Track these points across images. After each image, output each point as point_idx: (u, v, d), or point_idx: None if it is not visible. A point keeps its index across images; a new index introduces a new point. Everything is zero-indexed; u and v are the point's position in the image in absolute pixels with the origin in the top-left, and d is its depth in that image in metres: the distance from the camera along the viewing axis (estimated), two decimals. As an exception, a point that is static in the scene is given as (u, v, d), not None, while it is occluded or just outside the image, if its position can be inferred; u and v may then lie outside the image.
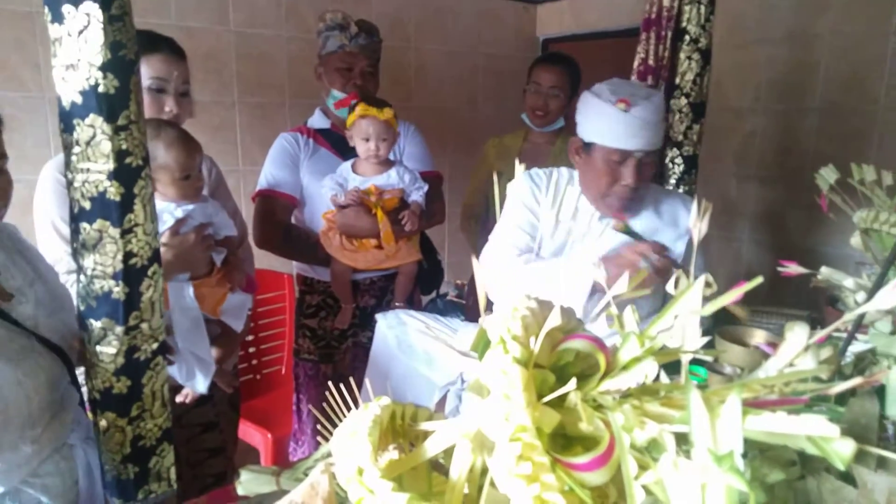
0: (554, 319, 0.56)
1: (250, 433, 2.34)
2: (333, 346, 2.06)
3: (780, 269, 1.19)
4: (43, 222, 1.41)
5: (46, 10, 0.91)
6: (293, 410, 2.17)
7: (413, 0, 3.03)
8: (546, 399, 0.54)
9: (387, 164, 1.90)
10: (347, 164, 1.90)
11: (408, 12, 3.03)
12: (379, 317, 1.78)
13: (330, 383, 0.91)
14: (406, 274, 1.98)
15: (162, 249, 1.32)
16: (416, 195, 1.93)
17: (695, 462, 0.49)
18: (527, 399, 0.54)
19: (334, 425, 1.01)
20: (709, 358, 1.12)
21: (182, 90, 1.54)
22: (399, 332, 1.72)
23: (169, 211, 1.42)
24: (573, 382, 0.51)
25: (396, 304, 1.99)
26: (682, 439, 0.52)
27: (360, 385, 1.82)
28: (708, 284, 0.65)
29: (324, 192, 1.89)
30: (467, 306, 2.67)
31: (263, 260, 2.46)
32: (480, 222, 2.48)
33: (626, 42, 2.56)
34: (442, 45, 3.19)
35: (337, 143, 1.99)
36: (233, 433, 1.82)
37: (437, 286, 2.24)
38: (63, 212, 1.36)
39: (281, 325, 2.66)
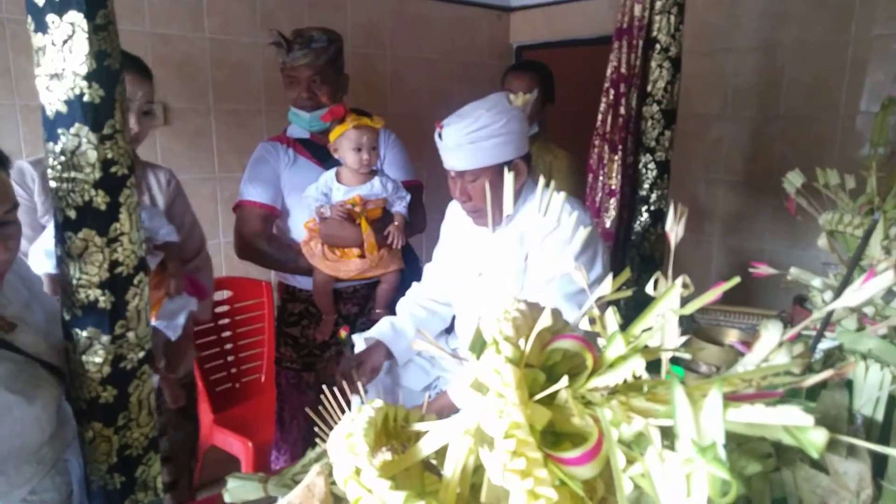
0: (544, 321, 0.58)
1: (229, 441, 2.33)
2: (315, 355, 2.06)
3: (751, 269, 1.24)
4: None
5: (29, 19, 0.91)
6: (275, 419, 2.16)
7: (388, 8, 3.05)
8: (537, 397, 0.57)
9: (370, 173, 1.91)
10: (331, 174, 1.91)
11: (383, 20, 3.05)
12: (355, 337, 1.79)
13: (323, 388, 0.92)
14: (388, 283, 1.99)
15: None
16: (399, 206, 1.95)
17: (679, 454, 0.51)
18: (519, 397, 0.56)
19: (323, 431, 1.03)
20: (687, 356, 1.16)
21: (145, 109, 1.55)
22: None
23: None
24: (564, 380, 0.54)
25: (378, 311, 2.00)
26: (666, 433, 0.55)
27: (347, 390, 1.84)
28: (685, 286, 0.68)
29: (308, 203, 1.90)
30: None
31: (241, 268, 2.46)
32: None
33: (598, 49, 2.62)
34: (417, 52, 3.22)
35: (317, 153, 2.00)
36: (186, 442, 1.80)
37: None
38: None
39: (260, 332, 2.64)
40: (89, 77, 0.90)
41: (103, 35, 0.90)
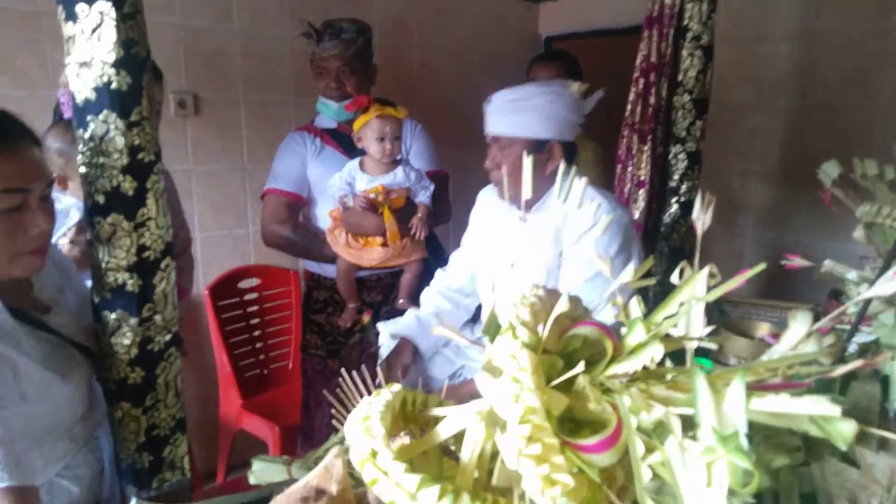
0: (562, 306, 0.57)
1: (257, 425, 2.37)
2: (340, 342, 2.08)
3: (783, 262, 1.21)
4: None
5: (60, 8, 0.93)
6: (301, 405, 2.19)
7: (415, 1, 3.05)
8: (555, 383, 0.56)
9: (394, 163, 1.91)
10: (355, 163, 1.92)
11: (410, 13, 3.04)
12: (380, 325, 1.80)
13: (343, 374, 0.92)
14: (412, 272, 1.99)
15: (67, 247, 1.37)
16: (423, 195, 1.94)
17: (700, 443, 0.50)
18: (535, 382, 0.55)
19: (341, 415, 1.03)
20: (713, 347, 1.14)
21: (155, 110, 1.59)
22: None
23: (77, 207, 1.44)
24: (581, 365, 0.53)
25: (401, 301, 2.00)
26: (687, 423, 0.54)
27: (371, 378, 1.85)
28: (712, 275, 0.66)
29: (332, 192, 1.91)
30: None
31: (269, 256, 2.48)
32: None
33: (628, 40, 2.57)
34: (445, 43, 3.20)
35: (343, 142, 2.01)
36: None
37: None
38: None
39: (287, 320, 2.67)
40: (117, 65, 0.91)
41: (131, 24, 0.92)
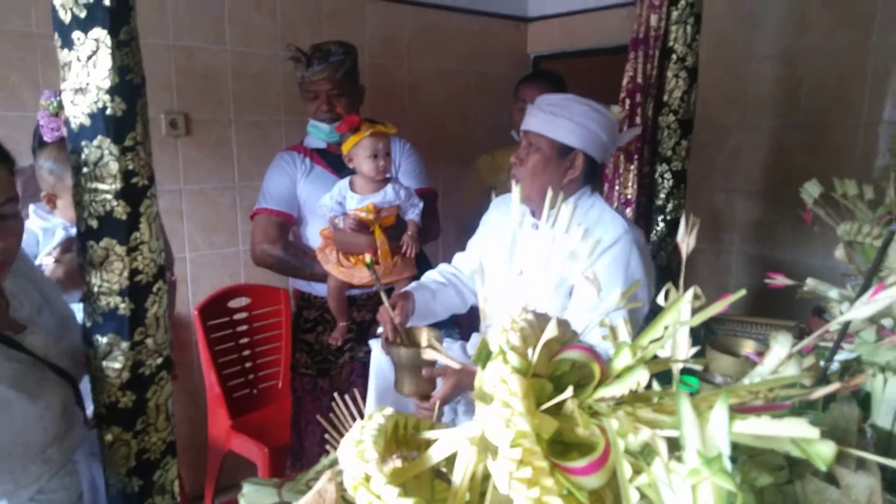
0: (551, 331, 0.59)
1: (247, 446, 2.35)
2: (330, 361, 2.08)
3: (767, 280, 1.23)
4: None
5: (56, 36, 0.94)
6: (291, 425, 2.18)
7: (406, 20, 3.09)
8: (544, 407, 0.57)
9: (383, 181, 1.93)
10: (345, 182, 1.93)
11: (400, 31, 3.08)
12: (372, 343, 1.80)
13: (335, 395, 0.93)
14: (402, 289, 2.00)
15: (51, 266, 1.38)
16: (412, 213, 1.96)
17: (685, 465, 0.52)
18: (526, 406, 0.56)
19: (334, 438, 1.04)
20: (699, 367, 1.15)
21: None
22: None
23: (63, 227, 1.47)
24: (570, 390, 0.54)
25: (392, 319, 2.01)
26: (673, 444, 0.55)
27: (356, 399, 1.84)
28: (696, 297, 0.68)
29: (323, 212, 1.92)
30: (462, 321, 2.69)
31: (259, 275, 2.49)
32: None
33: (614, 58, 2.62)
34: (434, 62, 3.24)
35: (333, 162, 2.03)
36: None
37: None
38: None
39: (277, 339, 2.67)
40: (112, 91, 0.93)
41: (126, 51, 0.93)
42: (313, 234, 2.02)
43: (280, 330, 2.66)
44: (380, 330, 1.65)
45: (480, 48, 3.43)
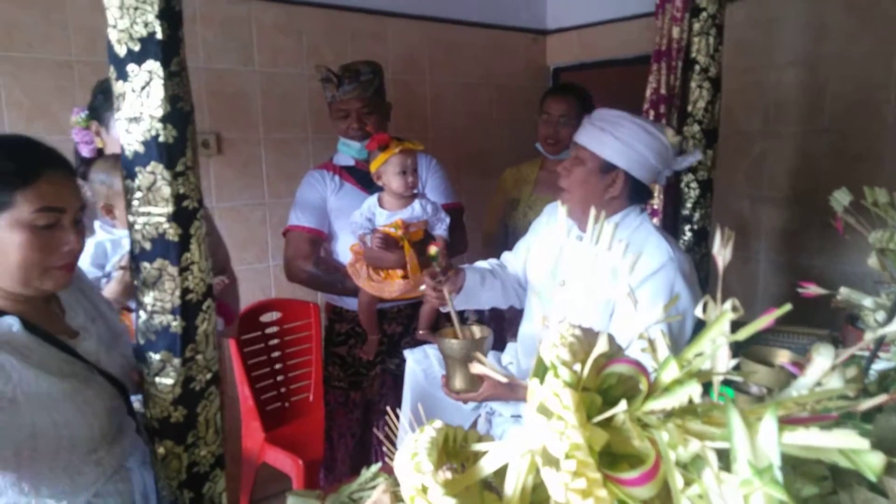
0: (602, 346, 0.61)
1: (280, 459, 2.39)
2: (362, 374, 2.11)
3: (799, 289, 1.24)
4: None
5: (112, 68, 0.99)
6: (324, 437, 2.21)
7: (427, 36, 3.14)
8: (596, 419, 0.59)
9: (411, 197, 1.97)
10: (374, 199, 1.97)
11: (421, 47, 3.13)
12: (407, 353, 1.84)
13: (388, 409, 0.95)
14: (431, 303, 2.03)
15: (119, 274, 1.44)
16: (440, 228, 1.99)
17: (736, 475, 0.54)
18: (578, 419, 0.59)
19: (392, 450, 1.06)
20: (738, 378, 1.16)
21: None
22: (426, 366, 1.78)
23: (128, 236, 1.51)
24: (623, 404, 0.56)
25: (421, 331, 2.04)
26: (722, 455, 0.57)
27: (392, 410, 1.86)
28: (735, 309, 0.70)
29: (353, 229, 1.96)
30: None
31: (290, 289, 2.53)
32: (500, 249, 2.54)
33: (635, 69, 2.64)
34: (455, 77, 3.29)
35: (361, 179, 2.07)
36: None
37: (460, 313, 2.29)
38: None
39: (307, 352, 2.71)
40: (164, 119, 0.97)
41: (177, 80, 0.98)
42: (343, 250, 2.06)
43: (310, 343, 2.70)
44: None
45: (500, 62, 3.47)
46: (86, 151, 1.68)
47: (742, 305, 0.70)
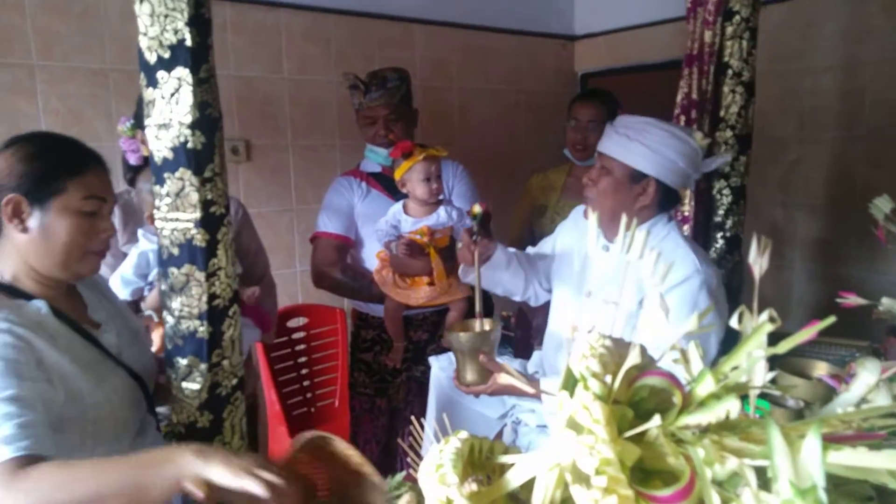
0: (634, 358, 0.59)
1: (306, 466, 2.39)
2: (387, 381, 2.11)
3: (838, 300, 1.19)
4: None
5: (142, 75, 1.00)
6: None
7: (455, 43, 3.14)
8: (627, 434, 0.57)
9: (436, 203, 1.96)
10: (398, 206, 1.97)
11: (449, 55, 3.13)
12: (432, 360, 1.82)
13: (412, 419, 0.94)
14: (457, 310, 2.02)
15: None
16: None
17: (778, 495, 0.51)
18: (609, 434, 0.57)
19: (417, 460, 1.05)
20: (777, 392, 1.12)
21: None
22: (450, 373, 1.76)
23: None
24: (657, 419, 0.54)
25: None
26: (761, 473, 0.54)
27: (416, 419, 1.84)
28: (772, 319, 0.67)
29: (379, 236, 1.96)
30: (515, 338, 2.69)
31: (316, 295, 2.54)
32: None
33: (665, 74, 2.59)
34: (483, 83, 3.28)
35: (388, 185, 2.07)
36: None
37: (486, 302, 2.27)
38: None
39: (334, 358, 2.71)
40: (193, 126, 0.98)
41: (205, 87, 0.99)
42: (370, 256, 2.06)
43: (337, 349, 2.71)
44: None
45: (528, 68, 3.45)
46: (133, 160, 1.70)
47: (778, 316, 0.67)
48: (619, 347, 0.66)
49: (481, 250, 1.56)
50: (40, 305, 1.03)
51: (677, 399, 0.61)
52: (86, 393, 1.03)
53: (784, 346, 0.58)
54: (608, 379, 0.62)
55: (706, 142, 1.46)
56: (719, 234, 2.07)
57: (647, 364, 0.67)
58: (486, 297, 2.19)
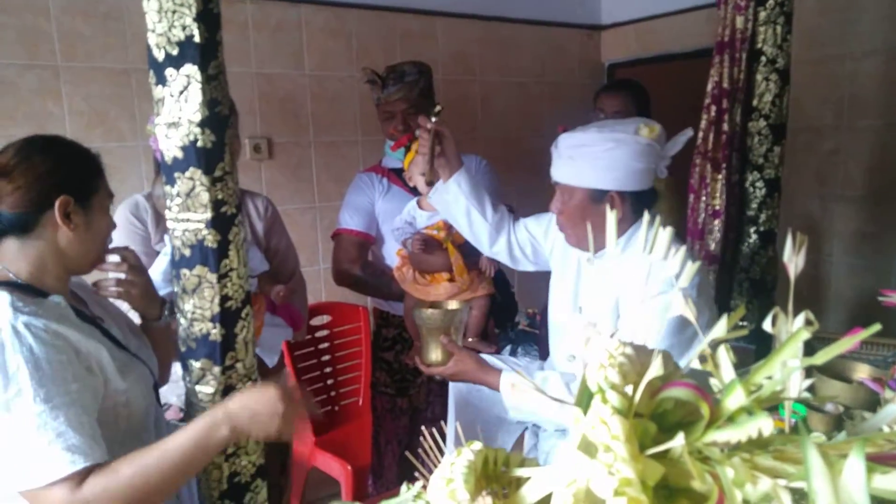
0: (656, 369, 0.54)
1: (329, 464, 2.38)
2: (409, 380, 2.08)
3: (881, 298, 1.13)
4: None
5: (151, 73, 0.98)
6: (371, 443, 2.19)
7: (478, 35, 3.09)
8: (650, 452, 0.53)
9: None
10: (414, 202, 1.94)
11: (472, 46, 3.08)
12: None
13: (423, 430, 0.90)
14: (479, 309, 1.98)
15: None
16: None
17: (815, 521, 0.46)
18: (629, 451, 0.53)
19: (426, 473, 1.02)
20: (811, 398, 1.06)
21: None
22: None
23: None
24: (681, 437, 0.50)
25: (470, 339, 1.99)
26: (796, 494, 0.50)
27: (437, 421, 1.82)
28: (809, 323, 0.62)
29: (396, 235, 1.93)
30: (539, 336, 2.64)
31: (340, 293, 2.53)
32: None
33: (695, 63, 2.51)
34: (506, 75, 3.23)
35: (409, 181, 2.04)
36: (277, 459, 1.84)
37: (511, 320, 2.22)
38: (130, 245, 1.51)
39: (357, 356, 2.70)
40: (202, 124, 0.96)
41: (214, 84, 0.96)
42: (391, 254, 2.04)
43: (360, 347, 2.69)
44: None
45: (553, 59, 3.38)
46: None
47: (812, 313, 0.62)
48: (641, 355, 0.62)
49: (437, 164, 1.53)
50: (59, 300, 1.03)
51: (705, 412, 0.57)
52: (118, 380, 1.04)
53: (822, 358, 0.53)
54: (629, 390, 0.58)
55: (655, 133, 1.37)
56: (752, 229, 2.00)
57: (672, 373, 0.63)
58: (508, 292, 2.15)
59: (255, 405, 0.97)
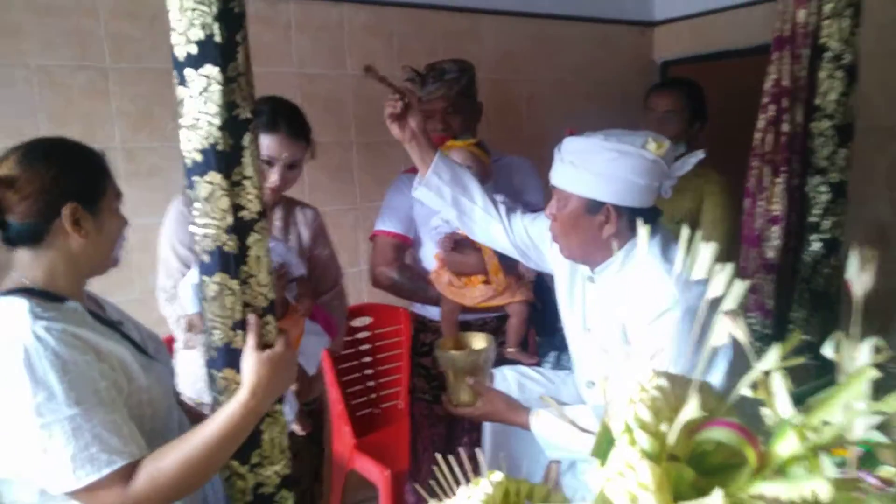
0: (692, 410, 0.47)
1: (368, 468, 2.36)
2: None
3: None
4: (164, 245, 1.56)
5: (174, 73, 0.96)
6: (409, 448, 2.16)
7: (525, 31, 3.01)
8: (684, 504, 0.46)
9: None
10: None
11: (519, 45, 3.01)
12: (495, 371, 1.72)
13: (436, 457, 0.85)
14: (517, 316, 1.92)
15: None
16: None
17: None
18: (660, 501, 0.46)
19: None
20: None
21: (289, 163, 1.66)
22: (503, 390, 1.65)
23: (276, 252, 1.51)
24: (720, 496, 0.43)
25: (510, 350, 1.93)
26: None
27: (474, 431, 1.76)
28: (879, 351, 0.54)
29: (432, 236, 1.90)
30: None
31: (381, 295, 2.50)
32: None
33: (753, 60, 2.37)
34: (553, 74, 3.14)
35: (448, 182, 1.99)
36: (311, 467, 1.82)
37: (553, 326, 2.15)
38: (183, 236, 1.53)
39: (398, 358, 2.67)
40: (222, 127, 0.93)
41: (233, 86, 0.93)
42: (429, 256, 2.00)
43: (401, 349, 2.67)
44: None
45: (602, 56, 3.28)
46: None
47: (880, 334, 0.55)
48: (676, 387, 0.55)
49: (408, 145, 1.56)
50: (75, 305, 1.03)
51: (750, 459, 0.49)
52: (141, 377, 1.03)
53: (893, 404, 0.45)
54: (664, 428, 0.51)
55: (663, 149, 1.27)
56: (814, 237, 1.86)
57: (713, 409, 0.55)
58: (551, 298, 2.07)
59: (269, 373, 1.00)
